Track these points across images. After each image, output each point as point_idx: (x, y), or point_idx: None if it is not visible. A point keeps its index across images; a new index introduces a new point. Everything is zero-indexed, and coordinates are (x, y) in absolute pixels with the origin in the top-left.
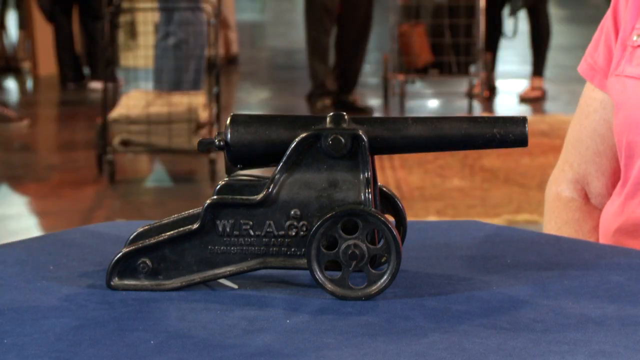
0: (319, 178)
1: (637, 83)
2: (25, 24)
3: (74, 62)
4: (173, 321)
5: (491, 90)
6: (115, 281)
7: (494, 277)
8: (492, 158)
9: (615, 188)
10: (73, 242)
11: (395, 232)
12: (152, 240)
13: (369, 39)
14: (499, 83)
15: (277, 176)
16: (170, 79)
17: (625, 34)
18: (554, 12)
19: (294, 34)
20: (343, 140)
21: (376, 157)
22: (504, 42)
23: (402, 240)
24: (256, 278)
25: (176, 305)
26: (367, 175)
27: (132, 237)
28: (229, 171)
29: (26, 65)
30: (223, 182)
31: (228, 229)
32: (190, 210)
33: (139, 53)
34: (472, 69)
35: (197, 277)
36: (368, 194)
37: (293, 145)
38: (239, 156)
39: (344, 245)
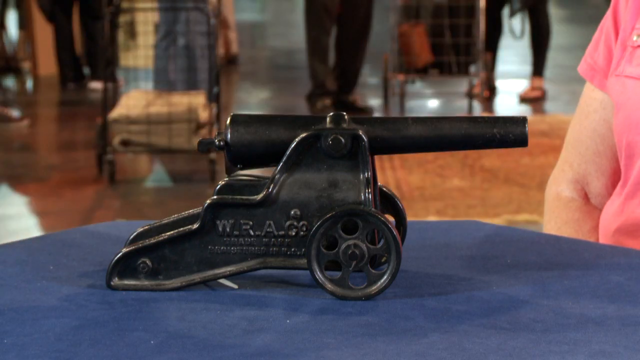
0: (319, 178)
1: (637, 83)
2: (25, 24)
3: (74, 62)
4: (173, 321)
5: (491, 90)
6: (115, 281)
7: (494, 277)
8: (492, 158)
9: (615, 188)
10: (73, 242)
11: (395, 232)
12: (152, 240)
13: (369, 39)
14: (499, 83)
15: (277, 176)
16: (183, 79)
17: (625, 34)
18: (554, 12)
19: (294, 34)
20: (343, 140)
21: (376, 157)
22: (504, 42)
23: (402, 240)
24: (256, 278)
25: (176, 305)
26: (367, 175)
27: (132, 237)
28: (229, 171)
29: (26, 65)
30: (223, 182)
31: (228, 229)
32: (190, 210)
33: (139, 53)
34: (472, 69)
35: (197, 277)
36: (368, 194)
37: (293, 145)
38: (239, 156)
39: (344, 245)
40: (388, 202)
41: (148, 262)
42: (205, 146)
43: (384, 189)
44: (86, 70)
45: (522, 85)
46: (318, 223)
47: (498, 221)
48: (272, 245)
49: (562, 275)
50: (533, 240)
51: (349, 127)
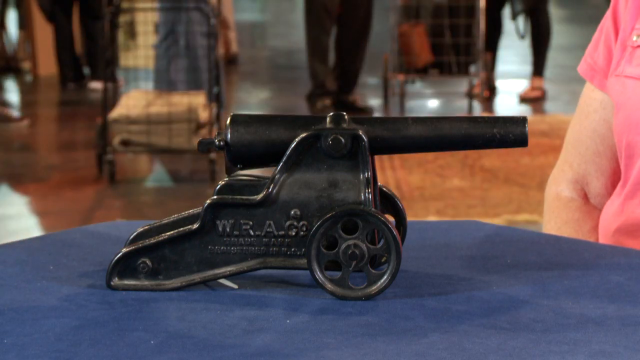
0: (319, 178)
1: (637, 83)
2: (25, 24)
3: (74, 62)
4: (173, 321)
5: (491, 90)
6: (115, 281)
7: (494, 277)
8: (492, 158)
9: (614, 188)
10: (73, 242)
11: (395, 232)
12: (152, 240)
13: (369, 39)
14: (499, 83)
15: (277, 176)
16: (186, 79)
17: (625, 34)
18: (554, 12)
19: (294, 34)
20: (343, 140)
21: (376, 157)
22: (504, 42)
23: (402, 240)
24: (256, 278)
25: (176, 305)
26: (367, 175)
27: (132, 237)
28: (229, 171)
29: (26, 65)
30: (223, 182)
31: (228, 229)
32: (190, 210)
33: (139, 53)
34: (472, 69)
35: (197, 277)
36: (368, 194)
37: (293, 145)
38: (239, 156)
39: (344, 245)
40: (388, 202)
41: (148, 262)
42: (205, 146)
43: (384, 189)
44: (86, 70)
45: (522, 85)
46: (318, 223)
47: (498, 221)
48: (272, 245)
49: (562, 275)
50: (533, 240)
51: (349, 127)
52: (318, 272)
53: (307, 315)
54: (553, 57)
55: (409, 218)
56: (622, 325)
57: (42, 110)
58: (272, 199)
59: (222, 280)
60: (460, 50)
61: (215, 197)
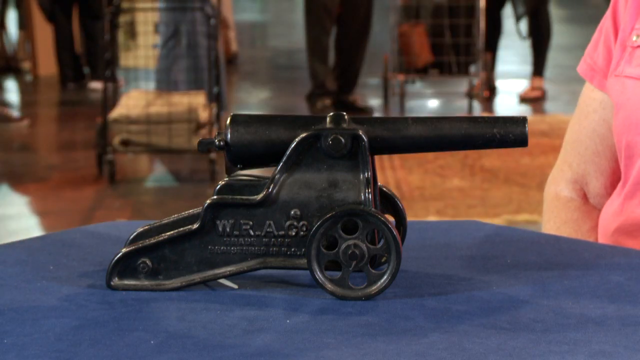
0: (319, 178)
1: (636, 83)
2: (25, 24)
3: (74, 62)
4: (173, 321)
5: (491, 90)
6: (115, 281)
7: (494, 277)
8: (492, 158)
9: (614, 188)
10: (73, 242)
11: (395, 232)
12: (152, 240)
13: (369, 39)
14: (499, 83)
15: (277, 176)
16: (188, 79)
17: (625, 34)
18: (554, 12)
19: (294, 34)
20: (343, 140)
21: (376, 157)
22: (504, 42)
23: (402, 240)
24: (256, 278)
25: (176, 305)
26: (367, 175)
27: (132, 237)
28: (229, 171)
29: (26, 65)
30: (223, 182)
31: (228, 229)
32: (190, 210)
33: (139, 53)
34: (472, 69)
35: (197, 277)
36: (368, 194)
37: (293, 145)
38: (239, 156)
39: (344, 245)
40: (388, 202)
41: (148, 262)
42: (205, 146)
43: (384, 189)
44: (86, 70)
45: (522, 85)
46: (318, 223)
47: (498, 221)
48: (272, 245)
49: (562, 275)
50: (533, 240)
51: (349, 127)
52: (318, 272)
53: (307, 315)
54: (553, 57)
55: (409, 218)
56: (622, 325)
57: (42, 110)
58: (272, 199)
59: (222, 280)
60: (460, 50)
61: (215, 197)
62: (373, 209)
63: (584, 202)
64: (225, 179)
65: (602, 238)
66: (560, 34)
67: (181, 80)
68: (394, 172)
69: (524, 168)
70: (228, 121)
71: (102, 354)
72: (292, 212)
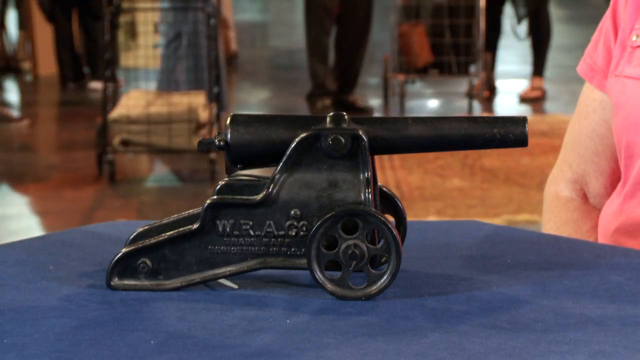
0: (319, 178)
1: (636, 83)
2: (25, 24)
3: (74, 62)
4: (173, 321)
5: (491, 90)
6: (115, 281)
7: (494, 277)
8: (492, 158)
9: (613, 188)
10: (73, 242)
11: (395, 232)
12: (152, 240)
13: (369, 39)
14: (499, 83)
15: (277, 176)
16: (190, 79)
17: (625, 34)
18: (554, 12)
19: (294, 34)
20: (343, 140)
21: (376, 157)
22: (504, 42)
23: (402, 240)
24: (256, 278)
25: (176, 305)
26: (367, 175)
27: (132, 237)
28: (229, 171)
29: (26, 65)
30: (223, 182)
31: (228, 229)
32: (190, 210)
33: (139, 53)
34: (472, 69)
35: (197, 277)
36: (368, 194)
37: (293, 145)
38: (239, 156)
39: (344, 245)
40: (388, 202)
41: (148, 262)
42: (205, 146)
43: (384, 189)
44: (86, 70)
45: (522, 85)
46: (318, 223)
47: (498, 221)
48: (272, 245)
49: (562, 275)
50: (533, 240)
51: (349, 127)
52: (318, 272)
53: (307, 315)
54: (553, 57)
55: (409, 218)
56: (622, 325)
57: (42, 110)
58: (272, 199)
59: (222, 280)
60: (460, 50)
61: (215, 197)
62: (373, 209)
63: (584, 202)
64: (225, 179)
65: (602, 238)
66: (560, 34)
67: (183, 81)
68: (394, 172)
69: (524, 168)
70: (228, 121)
71: (102, 354)
72: (292, 212)
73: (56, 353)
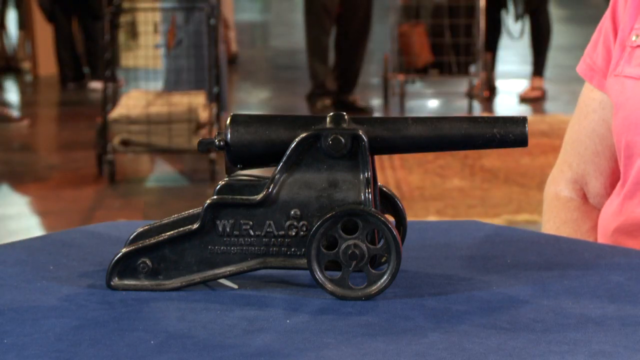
0: (319, 178)
1: (636, 83)
2: (25, 24)
3: (74, 62)
4: (173, 321)
5: (491, 90)
6: (115, 281)
7: (494, 277)
8: (492, 158)
9: (613, 188)
10: (73, 242)
11: (395, 232)
12: (152, 240)
13: (368, 39)
14: (499, 83)
15: (277, 176)
16: (194, 78)
17: (624, 34)
18: (554, 12)
19: (294, 34)
20: (343, 140)
21: (376, 157)
22: (504, 42)
23: (402, 240)
24: (256, 278)
25: (176, 305)
26: (367, 175)
27: (132, 237)
28: (229, 171)
29: (26, 65)
30: (223, 182)
31: (228, 229)
32: (190, 210)
33: (139, 53)
34: (472, 69)
35: (197, 277)
36: (368, 194)
37: (293, 145)
38: (239, 156)
39: (344, 245)
40: (388, 202)
41: (148, 262)
42: (205, 146)
43: (384, 189)
44: (86, 70)
45: (522, 85)
46: (318, 223)
47: (498, 221)
48: (272, 245)
49: (562, 275)
50: (533, 240)
51: (349, 127)
52: (318, 272)
53: (307, 315)
54: (553, 57)
55: (409, 218)
56: (622, 325)
57: (42, 110)
58: (272, 199)
59: (222, 280)
60: (460, 50)
61: (215, 197)
62: (373, 209)
63: (584, 202)
64: (225, 179)
65: (602, 238)
66: (560, 34)
67: (187, 80)
68: (394, 172)
69: (524, 168)
70: (228, 121)
71: (102, 354)
72: (292, 212)
73: (56, 353)
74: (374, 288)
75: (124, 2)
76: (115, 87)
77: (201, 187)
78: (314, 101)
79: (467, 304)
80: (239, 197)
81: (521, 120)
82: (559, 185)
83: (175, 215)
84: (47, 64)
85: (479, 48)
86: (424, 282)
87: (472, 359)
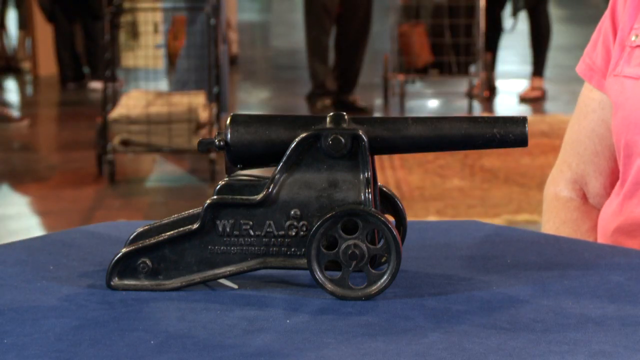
0: (319, 178)
1: (635, 83)
2: (25, 24)
3: (74, 62)
4: (173, 321)
5: (491, 90)
6: (115, 281)
7: (494, 277)
8: (492, 158)
9: (613, 188)
10: (73, 242)
11: (395, 232)
12: (152, 240)
13: (368, 39)
14: (499, 83)
15: (277, 176)
16: (198, 78)
17: (624, 34)
18: (554, 12)
19: (294, 34)
20: (343, 140)
21: (376, 157)
22: (504, 42)
23: (402, 240)
24: (256, 278)
25: (176, 305)
26: (367, 175)
27: (132, 237)
28: (229, 171)
29: (26, 65)
30: (223, 182)
31: (228, 229)
32: (190, 210)
33: (140, 53)
34: (472, 69)
35: (197, 277)
36: (368, 194)
37: (293, 145)
38: (239, 156)
39: (344, 245)
40: (388, 202)
41: (148, 262)
42: (205, 146)
43: (384, 189)
44: (86, 70)
45: (522, 85)
46: (318, 223)
47: (498, 221)
48: (272, 245)
49: (562, 275)
50: (533, 240)
51: (349, 127)
52: (318, 272)
53: (307, 315)
54: (553, 57)
55: (409, 218)
56: (622, 325)
57: (42, 110)
58: (272, 199)
59: (222, 280)
60: (460, 50)
61: (215, 197)
62: (373, 209)
63: (584, 202)
64: (225, 179)
65: (602, 238)
66: (560, 34)
67: (195, 80)
68: (394, 172)
69: (524, 168)
70: (228, 121)
71: (102, 354)
72: (292, 212)
73: (56, 353)
74: (374, 288)
75: (125, 2)
76: (115, 87)
77: (201, 187)
78: (314, 101)
79: (467, 304)
80: (239, 197)
81: (521, 120)
82: (558, 186)
83: (175, 215)
84: (47, 64)
85: (479, 48)
86: (424, 282)
87: (472, 359)
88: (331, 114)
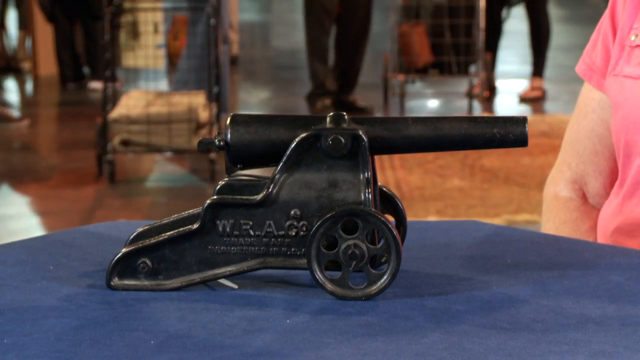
0: (319, 178)
1: (635, 83)
2: (25, 24)
3: (74, 62)
4: (173, 321)
5: (491, 90)
6: (115, 281)
7: (494, 277)
8: (492, 158)
9: (612, 188)
10: (73, 242)
11: (395, 232)
12: (152, 240)
13: (368, 39)
14: (499, 83)
15: (277, 176)
16: (199, 78)
17: (623, 33)
18: (554, 12)
19: (293, 34)
20: (343, 140)
21: (376, 157)
22: (504, 42)
23: (402, 240)
24: (256, 278)
25: (176, 305)
26: (367, 175)
27: (132, 237)
28: (229, 171)
29: (26, 65)
30: (223, 182)
31: (228, 229)
32: (190, 210)
33: (140, 53)
34: (472, 69)
35: (197, 277)
36: (368, 194)
37: (293, 145)
38: (239, 156)
39: (344, 245)
40: (388, 202)
41: (148, 262)
42: (205, 146)
43: (384, 189)
44: (86, 70)
45: (522, 85)
46: (318, 223)
47: (498, 221)
48: (272, 245)
49: (562, 275)
50: (533, 240)
51: (349, 127)
52: (318, 272)
53: (307, 315)
54: (553, 57)
55: (409, 218)
56: (622, 325)
57: (42, 110)
58: (272, 199)
59: (222, 280)
60: (460, 50)
61: (215, 197)
62: (373, 209)
63: (583, 202)
64: (225, 179)
65: (601, 238)
66: (560, 34)
67: (193, 80)
68: (394, 172)
69: (524, 168)
70: (228, 121)
71: (102, 354)
72: (292, 212)
73: (56, 353)
74: (374, 288)
75: (125, 2)
76: (115, 87)
77: (201, 187)
78: (314, 101)
79: (467, 304)
80: (239, 197)
81: (521, 120)
82: (558, 186)
83: (175, 215)
84: (47, 64)
85: (479, 48)
86: (424, 282)
87: (472, 359)
88: (331, 114)
